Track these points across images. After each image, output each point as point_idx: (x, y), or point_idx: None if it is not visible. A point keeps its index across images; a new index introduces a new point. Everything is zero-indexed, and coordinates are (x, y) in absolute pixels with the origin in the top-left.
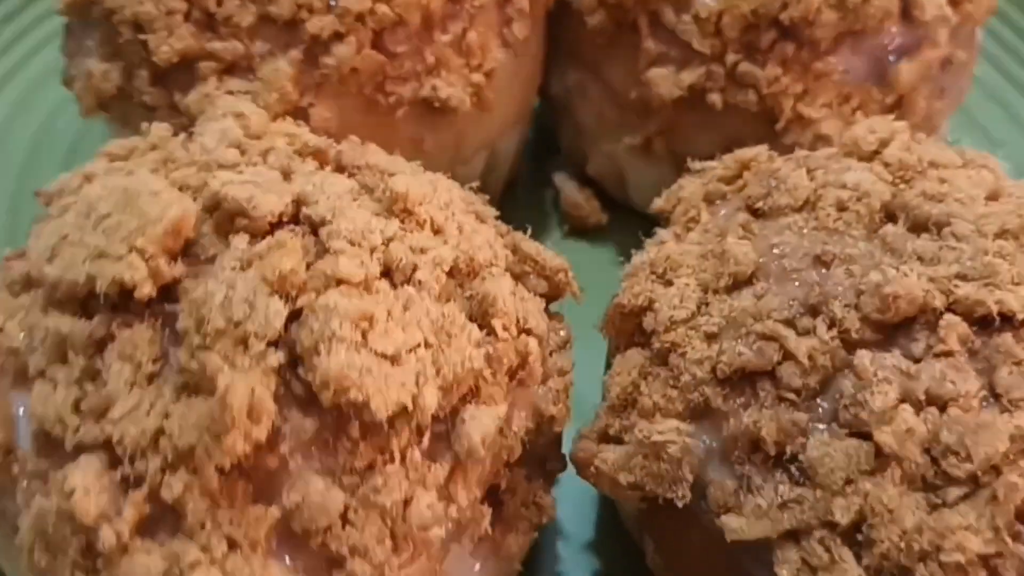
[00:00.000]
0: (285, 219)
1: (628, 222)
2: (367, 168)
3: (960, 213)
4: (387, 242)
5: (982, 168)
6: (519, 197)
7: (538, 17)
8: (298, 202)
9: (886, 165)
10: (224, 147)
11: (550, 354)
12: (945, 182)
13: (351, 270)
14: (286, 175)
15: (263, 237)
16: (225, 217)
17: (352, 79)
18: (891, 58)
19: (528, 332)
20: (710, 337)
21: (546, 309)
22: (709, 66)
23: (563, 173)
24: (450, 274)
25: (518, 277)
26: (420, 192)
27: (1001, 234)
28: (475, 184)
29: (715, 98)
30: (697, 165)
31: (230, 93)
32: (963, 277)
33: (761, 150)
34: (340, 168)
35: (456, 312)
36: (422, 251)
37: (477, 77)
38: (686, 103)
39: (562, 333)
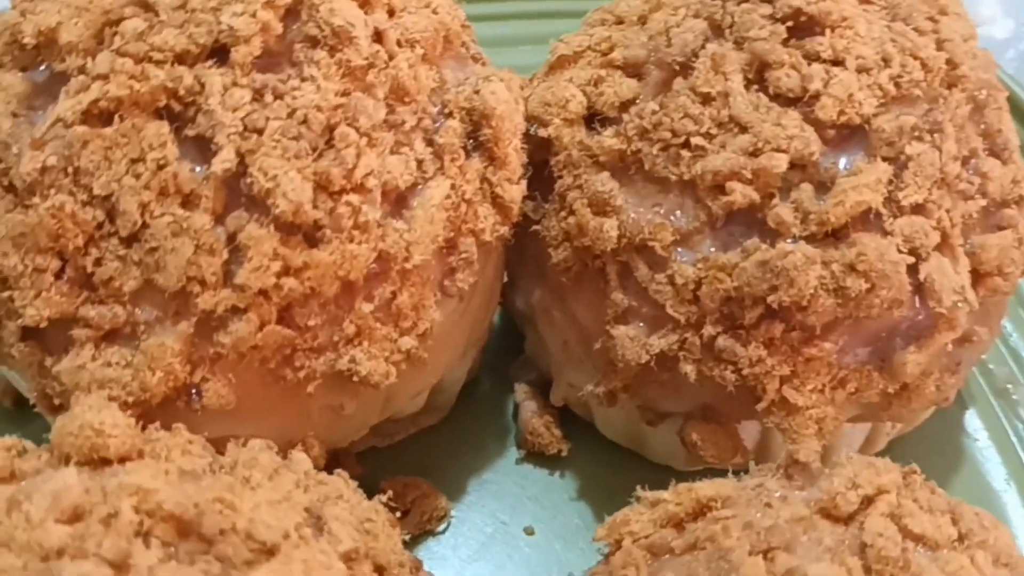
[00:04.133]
0: None
1: (594, 450)
2: (231, 535)
3: None
4: None
5: (977, 549)
6: (478, 400)
7: (492, 250)
8: None
9: (863, 549)
10: (53, 520)
11: None
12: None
13: None
14: (118, 569)
15: None
16: None
17: (254, 355)
18: (898, 342)
19: None
20: None
21: None
22: (684, 334)
23: (524, 385)
24: None
25: None
26: None
27: None
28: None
29: (688, 369)
30: (648, 495)
31: (108, 365)
32: None
33: (722, 489)
34: (202, 539)
35: None
36: None
37: (407, 342)
38: (655, 368)
39: None
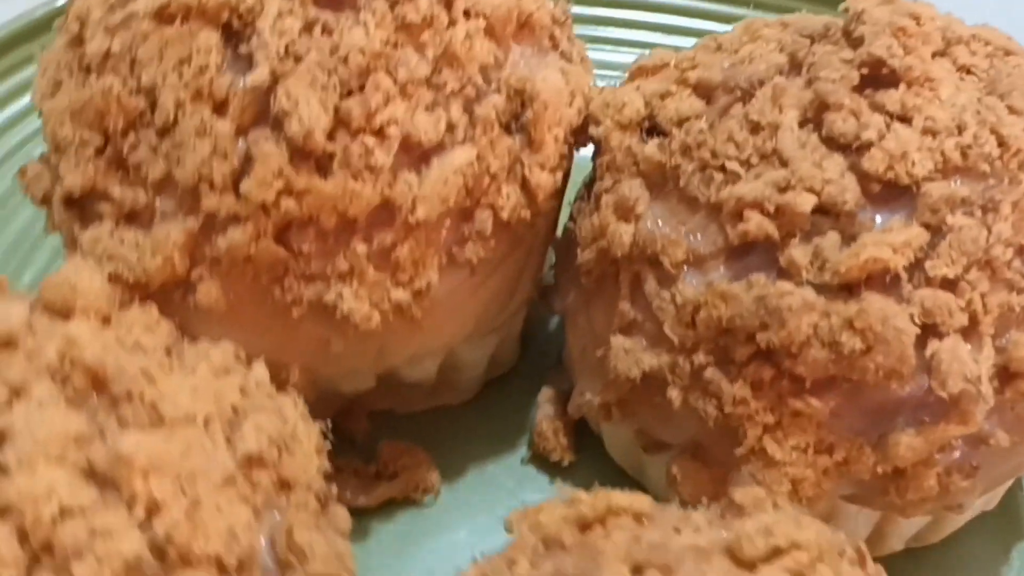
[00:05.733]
0: None
1: (600, 468)
2: (137, 401)
3: None
4: None
5: None
6: (508, 394)
7: (522, 237)
8: None
9: None
10: None
11: None
12: None
13: None
14: (15, 393)
15: None
16: None
17: (248, 267)
18: (900, 421)
19: None
20: None
21: None
22: (676, 357)
23: (551, 390)
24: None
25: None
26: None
27: None
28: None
29: (675, 395)
30: (570, 493)
31: (121, 242)
32: None
33: (641, 504)
34: (110, 397)
35: None
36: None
37: (400, 294)
38: (644, 387)
39: None
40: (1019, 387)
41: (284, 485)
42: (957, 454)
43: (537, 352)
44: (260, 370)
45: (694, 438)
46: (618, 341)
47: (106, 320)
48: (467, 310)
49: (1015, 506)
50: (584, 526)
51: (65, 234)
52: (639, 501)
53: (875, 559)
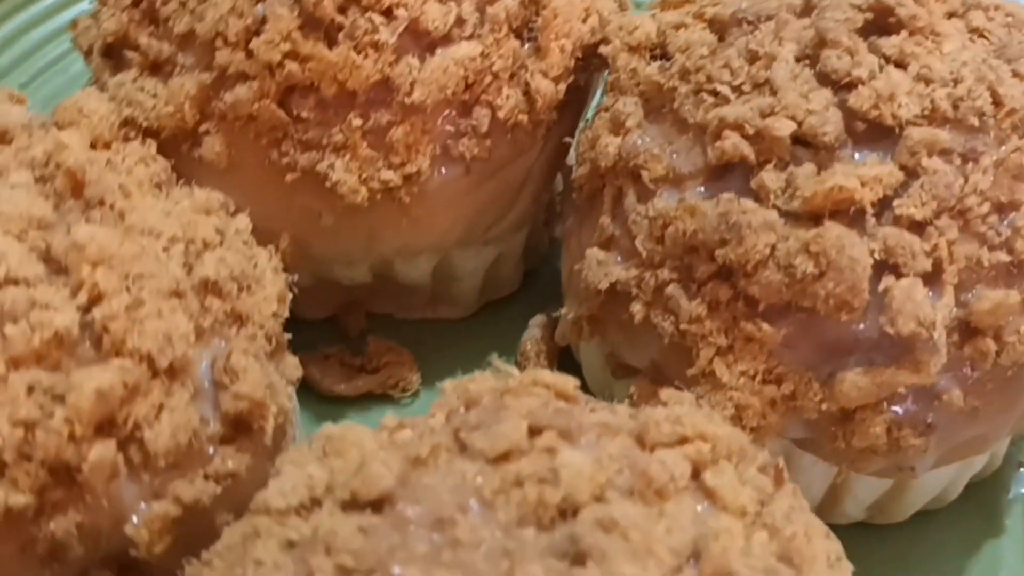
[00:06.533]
0: None
1: None
2: (107, 209)
3: None
4: None
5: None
6: (507, 317)
7: (521, 144)
8: None
9: (644, 474)
10: None
11: None
12: None
13: None
14: None
15: None
16: None
17: (250, 126)
18: (850, 360)
19: None
20: None
21: None
22: (643, 272)
23: (545, 316)
24: None
25: None
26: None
27: None
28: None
29: (637, 309)
30: (502, 368)
31: (141, 89)
32: None
33: (568, 386)
34: (85, 201)
35: None
36: None
37: (389, 175)
38: (608, 299)
39: None
40: (979, 344)
41: (237, 318)
42: (908, 405)
43: (541, 284)
44: (243, 220)
45: (654, 360)
46: (593, 253)
47: (106, 146)
48: (459, 209)
49: (990, 500)
50: (507, 394)
51: (99, 85)
52: (565, 381)
53: (835, 527)
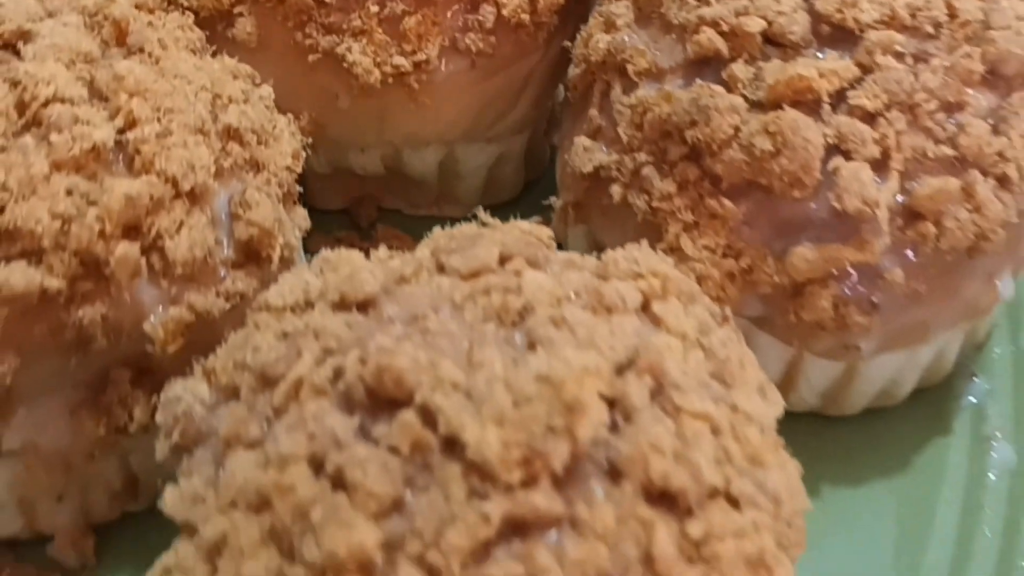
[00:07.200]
0: None
1: None
2: (144, 55)
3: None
4: None
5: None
6: (511, 216)
7: (524, 45)
8: None
9: (597, 296)
10: None
11: None
12: None
13: None
14: None
15: None
16: None
17: (279, 9)
18: (802, 236)
19: None
20: None
21: None
22: (623, 156)
23: (539, 217)
24: None
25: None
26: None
27: None
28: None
29: (615, 190)
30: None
31: None
32: None
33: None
34: (127, 48)
35: None
36: None
37: (400, 60)
38: (592, 184)
39: None
40: (921, 228)
41: (254, 165)
42: (853, 282)
43: (541, 193)
44: (267, 89)
45: (629, 240)
46: (580, 140)
47: (150, 11)
48: (464, 101)
49: (941, 405)
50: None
51: None
52: (540, 229)
53: (789, 415)
